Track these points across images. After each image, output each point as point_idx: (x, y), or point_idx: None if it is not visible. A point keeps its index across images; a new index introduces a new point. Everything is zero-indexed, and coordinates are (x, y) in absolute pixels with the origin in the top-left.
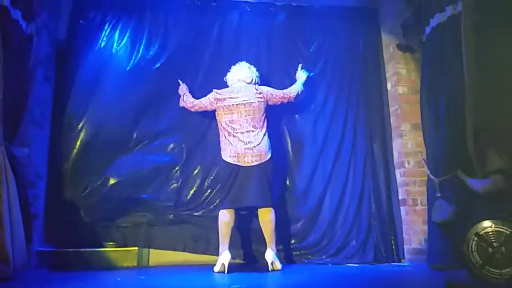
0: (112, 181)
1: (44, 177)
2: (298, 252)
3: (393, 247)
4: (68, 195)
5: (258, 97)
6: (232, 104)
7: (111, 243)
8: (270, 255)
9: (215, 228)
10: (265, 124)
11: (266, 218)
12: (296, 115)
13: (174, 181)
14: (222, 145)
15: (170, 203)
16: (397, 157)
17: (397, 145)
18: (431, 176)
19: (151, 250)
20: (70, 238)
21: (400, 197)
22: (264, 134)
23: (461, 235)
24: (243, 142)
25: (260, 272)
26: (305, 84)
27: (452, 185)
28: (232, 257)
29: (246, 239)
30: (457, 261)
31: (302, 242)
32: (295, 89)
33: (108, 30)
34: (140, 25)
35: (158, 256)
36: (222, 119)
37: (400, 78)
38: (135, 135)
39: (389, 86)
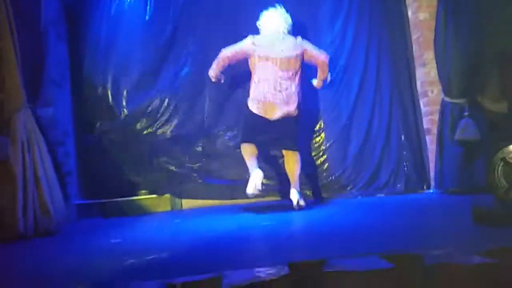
0: (139, 128)
1: (71, 134)
2: (326, 188)
3: (423, 176)
4: (97, 149)
5: (297, 52)
6: (267, 52)
7: (144, 191)
8: (294, 194)
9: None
10: (298, 79)
11: (290, 160)
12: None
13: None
14: (251, 92)
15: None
16: (420, 86)
17: (420, 74)
18: (446, 98)
19: None
20: (105, 189)
21: (425, 127)
22: (296, 89)
23: (486, 159)
24: (272, 91)
25: (290, 209)
26: (322, 16)
27: (477, 107)
28: (269, 194)
29: (284, 177)
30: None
31: (329, 177)
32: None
33: None
34: None
35: (191, 200)
36: (255, 67)
37: (421, 4)
38: (160, 86)
39: (410, 13)
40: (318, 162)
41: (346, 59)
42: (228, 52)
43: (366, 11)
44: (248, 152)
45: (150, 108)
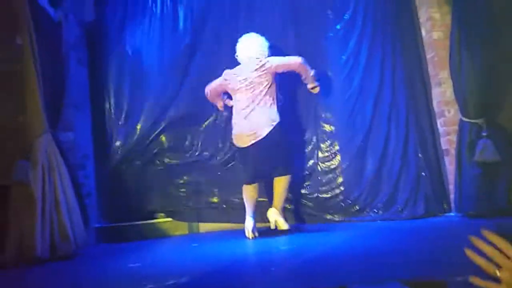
0: (157, 152)
1: (91, 157)
2: (343, 211)
3: (443, 198)
4: (116, 172)
5: (258, 70)
6: (235, 84)
7: (162, 214)
8: (273, 213)
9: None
10: (268, 97)
11: (278, 184)
12: (327, 70)
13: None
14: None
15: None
16: (436, 106)
17: (436, 94)
18: (464, 118)
19: None
20: (123, 212)
21: (443, 147)
22: (265, 107)
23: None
24: (240, 121)
25: (308, 233)
26: (335, 36)
27: (495, 126)
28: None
29: (300, 202)
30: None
31: (346, 200)
32: (302, 59)
33: (134, 6)
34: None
35: (208, 223)
36: (233, 100)
37: (435, 23)
38: (176, 106)
39: (423, 32)
40: (334, 184)
41: (361, 79)
42: (209, 88)
43: (379, 31)
44: (246, 195)
45: (169, 132)
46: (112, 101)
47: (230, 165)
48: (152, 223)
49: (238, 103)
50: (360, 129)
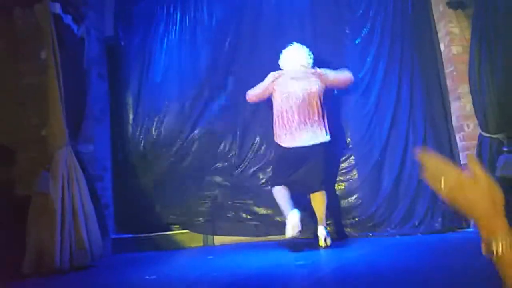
0: (174, 165)
1: (109, 169)
2: (360, 226)
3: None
4: (134, 184)
5: (311, 76)
6: (286, 81)
7: (177, 226)
8: (322, 231)
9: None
10: (323, 112)
11: (316, 199)
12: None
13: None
14: (275, 128)
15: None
16: (455, 120)
17: (455, 108)
18: (483, 133)
19: None
20: (139, 224)
21: (462, 162)
22: (322, 122)
23: None
24: (300, 119)
25: (325, 248)
26: (352, 52)
27: None
28: (302, 233)
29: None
30: None
31: (362, 215)
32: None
33: (151, 22)
34: (182, 14)
35: (223, 236)
36: (278, 103)
37: (453, 38)
38: (194, 122)
39: (442, 46)
40: (351, 199)
41: (378, 94)
42: (253, 93)
43: (397, 46)
44: (280, 195)
45: (185, 145)
46: (131, 114)
47: (246, 176)
48: (168, 234)
49: (291, 111)
50: (377, 144)
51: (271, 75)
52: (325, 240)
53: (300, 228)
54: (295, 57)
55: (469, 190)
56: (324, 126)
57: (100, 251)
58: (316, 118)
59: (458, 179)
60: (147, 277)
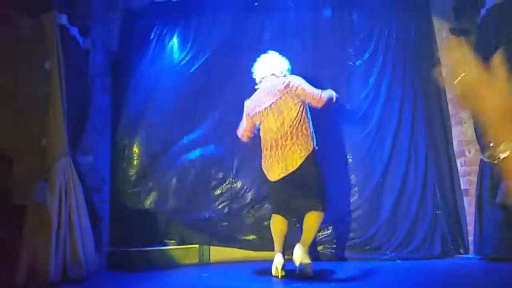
0: (172, 182)
1: (108, 181)
2: (358, 248)
3: (460, 239)
4: (131, 198)
5: (282, 92)
6: (261, 114)
7: (173, 241)
8: (300, 252)
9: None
10: (299, 123)
11: (308, 218)
12: (346, 105)
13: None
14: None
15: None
16: (457, 145)
17: (456, 133)
18: (485, 159)
19: (211, 247)
20: (135, 238)
21: (462, 187)
22: (296, 136)
23: None
24: (269, 153)
25: (323, 270)
26: (356, 71)
27: None
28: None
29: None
30: None
31: (361, 237)
32: (329, 93)
33: (156, 38)
34: (187, 31)
35: (218, 253)
36: (261, 130)
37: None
38: (192, 137)
39: (444, 72)
40: (350, 220)
41: (380, 115)
42: (240, 132)
43: (399, 69)
44: (274, 227)
45: (184, 159)
46: (131, 128)
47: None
48: (163, 249)
49: (267, 132)
50: (378, 165)
51: (245, 106)
52: (305, 268)
53: (282, 273)
54: (265, 65)
55: (487, 88)
56: (307, 145)
57: (94, 264)
58: (294, 139)
59: (478, 74)
60: None
